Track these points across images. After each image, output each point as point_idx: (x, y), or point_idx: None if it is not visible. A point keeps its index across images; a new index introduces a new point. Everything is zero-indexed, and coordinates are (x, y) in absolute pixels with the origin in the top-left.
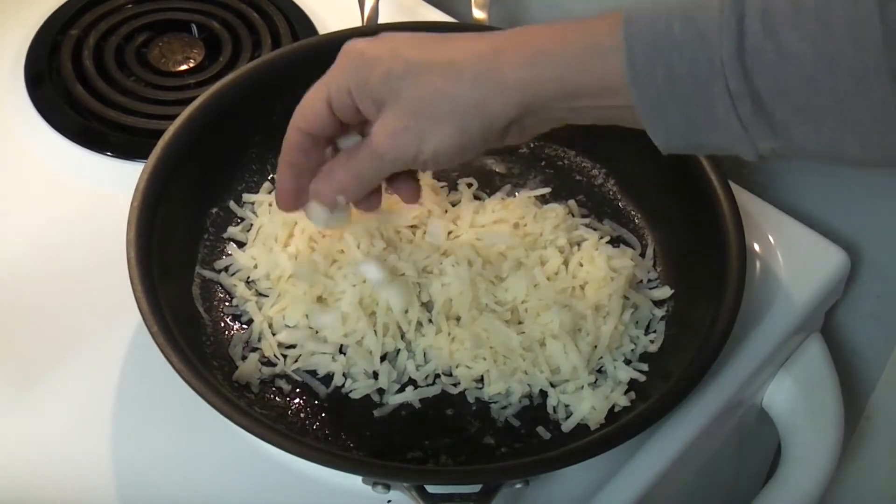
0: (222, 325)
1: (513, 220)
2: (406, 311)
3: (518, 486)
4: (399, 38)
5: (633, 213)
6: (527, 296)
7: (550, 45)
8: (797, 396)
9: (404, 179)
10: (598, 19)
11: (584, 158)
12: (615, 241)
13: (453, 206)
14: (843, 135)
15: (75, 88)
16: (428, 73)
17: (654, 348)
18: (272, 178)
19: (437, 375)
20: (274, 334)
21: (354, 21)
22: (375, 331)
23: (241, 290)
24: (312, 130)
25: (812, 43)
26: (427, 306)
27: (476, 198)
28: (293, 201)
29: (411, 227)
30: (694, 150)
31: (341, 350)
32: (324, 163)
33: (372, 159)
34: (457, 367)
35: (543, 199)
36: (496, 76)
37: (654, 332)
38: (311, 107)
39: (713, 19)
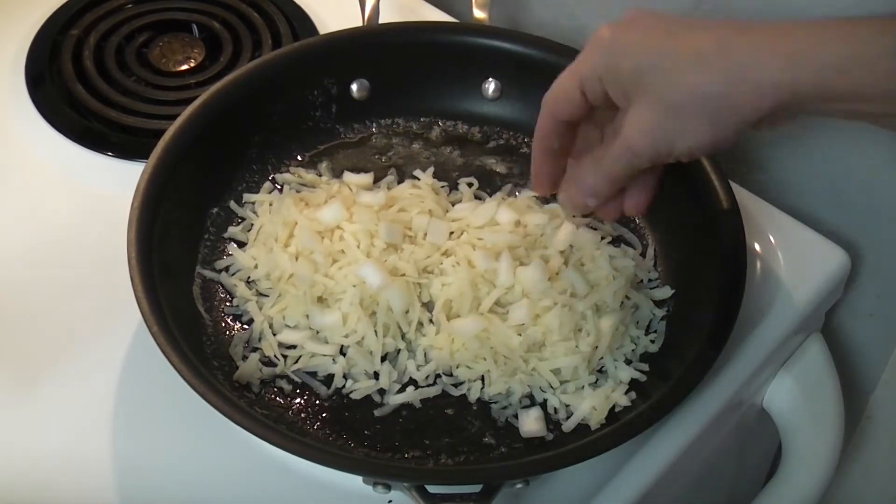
0: (223, 325)
1: (513, 219)
2: (406, 312)
3: (518, 486)
4: (647, 22)
5: None
6: (527, 295)
7: (809, 46)
8: (797, 396)
9: (644, 179)
10: (859, 22)
11: None
12: (616, 241)
13: (454, 205)
14: None
15: (76, 88)
16: (679, 69)
17: (654, 348)
18: (272, 177)
19: (438, 375)
20: (274, 334)
21: (355, 21)
22: (376, 331)
23: (241, 290)
24: (566, 117)
25: None
26: (427, 306)
27: (476, 197)
28: (553, 185)
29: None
30: None
31: (342, 351)
32: (573, 142)
33: (624, 155)
34: (457, 367)
35: (544, 199)
36: (750, 76)
37: (655, 332)
38: (565, 94)
39: None
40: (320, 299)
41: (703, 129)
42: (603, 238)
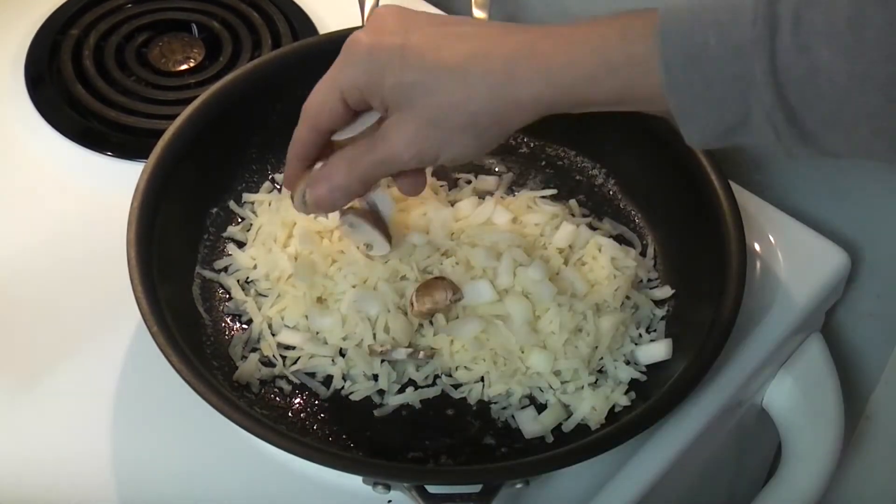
0: (222, 325)
1: (510, 219)
2: (406, 313)
3: (518, 486)
4: (403, 31)
5: (633, 212)
6: (527, 295)
7: (563, 58)
8: (797, 396)
9: (411, 173)
10: (618, 30)
11: (584, 158)
12: (615, 240)
13: (453, 204)
14: (874, 143)
15: (75, 88)
16: (441, 85)
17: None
18: (272, 177)
19: (437, 376)
20: (274, 335)
21: (354, 21)
22: (374, 333)
23: (237, 290)
24: (328, 127)
25: (844, 58)
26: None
27: (478, 197)
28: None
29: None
30: (725, 144)
31: (341, 352)
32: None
33: (387, 163)
34: (457, 369)
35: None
36: (510, 92)
37: (655, 331)
38: (325, 105)
39: (746, 33)
40: (319, 300)
41: (466, 141)
42: (606, 235)
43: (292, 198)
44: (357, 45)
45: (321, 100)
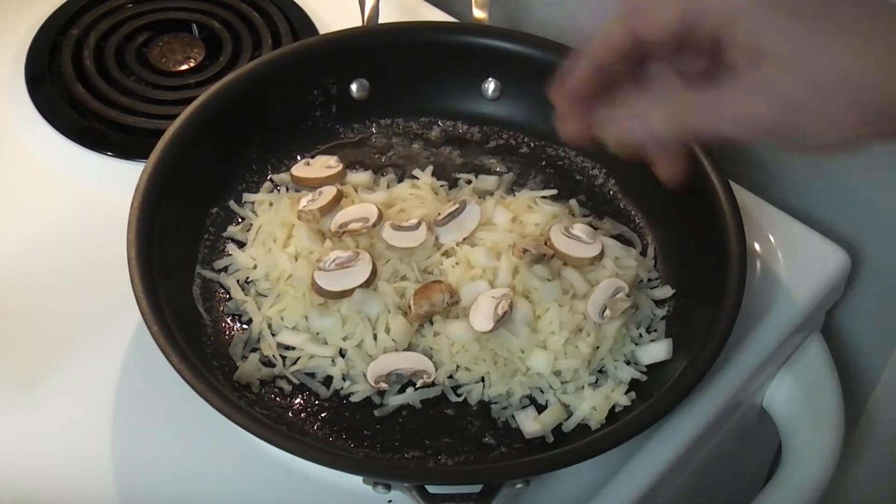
0: (222, 325)
1: (510, 219)
2: (406, 314)
3: (518, 486)
4: None
5: (633, 212)
6: (527, 295)
7: None
8: (797, 396)
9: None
10: None
11: (584, 158)
12: (615, 240)
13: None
14: None
15: (76, 88)
16: (833, 42)
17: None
18: (272, 178)
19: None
20: (273, 335)
21: (355, 21)
22: (375, 334)
23: (236, 290)
24: (649, 35)
25: None
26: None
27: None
28: (584, 134)
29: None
30: None
31: (341, 352)
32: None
33: (727, 119)
34: (457, 369)
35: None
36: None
37: (655, 331)
38: (665, 12)
39: None
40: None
41: (847, 118)
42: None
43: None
44: None
45: (665, 5)
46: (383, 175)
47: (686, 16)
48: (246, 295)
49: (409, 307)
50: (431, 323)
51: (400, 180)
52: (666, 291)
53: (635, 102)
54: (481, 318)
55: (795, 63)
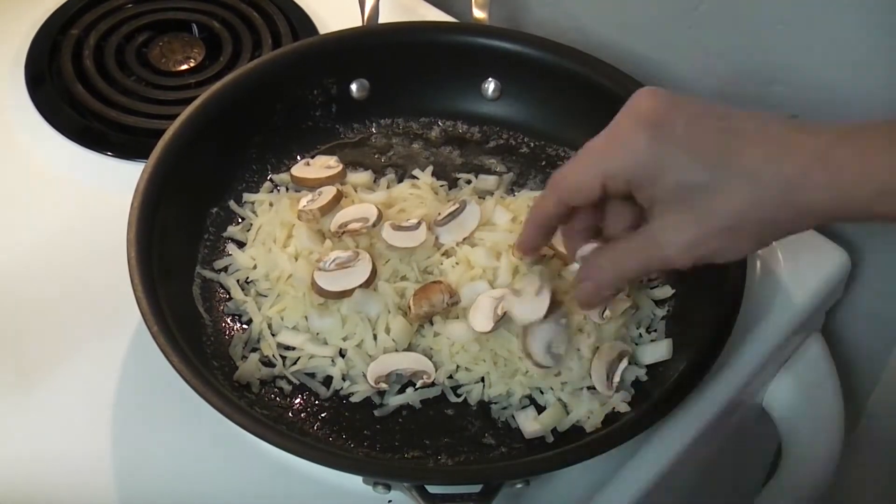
0: (222, 325)
1: (510, 219)
2: (406, 314)
3: (518, 486)
4: (683, 123)
5: None
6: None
7: (858, 169)
8: (797, 396)
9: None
10: None
11: None
12: None
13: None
14: None
15: (75, 88)
16: (731, 188)
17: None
18: (272, 178)
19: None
20: (273, 335)
21: (355, 21)
22: (375, 334)
23: (236, 290)
24: (576, 204)
25: None
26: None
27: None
28: (536, 251)
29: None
30: None
31: (341, 353)
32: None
33: (654, 264)
34: (457, 370)
35: None
36: (802, 201)
37: (655, 331)
38: (583, 183)
39: None
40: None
41: (747, 247)
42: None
43: (519, 255)
44: (633, 132)
45: (580, 179)
46: (383, 175)
47: (602, 179)
48: (246, 295)
49: (409, 307)
50: (431, 323)
51: (400, 180)
52: (666, 291)
53: (587, 264)
54: (481, 319)
55: (698, 210)
